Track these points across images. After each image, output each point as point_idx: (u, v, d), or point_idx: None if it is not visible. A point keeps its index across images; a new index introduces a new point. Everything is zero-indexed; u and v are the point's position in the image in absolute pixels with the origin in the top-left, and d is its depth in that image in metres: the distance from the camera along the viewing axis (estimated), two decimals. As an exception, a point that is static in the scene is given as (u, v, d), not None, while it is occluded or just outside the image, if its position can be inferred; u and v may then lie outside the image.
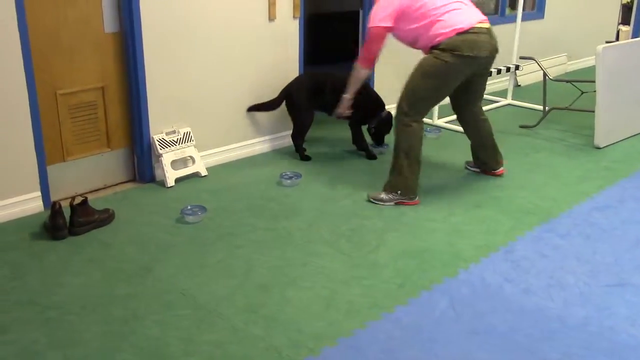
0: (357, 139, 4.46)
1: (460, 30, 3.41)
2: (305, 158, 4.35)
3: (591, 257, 3.09)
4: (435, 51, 3.46)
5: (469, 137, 4.05)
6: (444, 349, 2.39)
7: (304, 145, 4.40)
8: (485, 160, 4.06)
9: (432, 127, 5.08)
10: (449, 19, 3.43)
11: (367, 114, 4.37)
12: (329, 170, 4.20)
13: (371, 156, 4.41)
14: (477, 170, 4.13)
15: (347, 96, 3.94)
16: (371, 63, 3.72)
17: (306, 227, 3.36)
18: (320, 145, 4.70)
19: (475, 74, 3.65)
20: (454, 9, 3.45)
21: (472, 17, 3.47)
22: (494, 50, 3.59)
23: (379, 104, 4.38)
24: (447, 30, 3.42)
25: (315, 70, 4.50)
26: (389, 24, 3.51)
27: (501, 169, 4.08)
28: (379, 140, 4.48)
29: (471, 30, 3.43)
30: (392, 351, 2.37)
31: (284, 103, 4.32)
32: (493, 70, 5.55)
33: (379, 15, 3.52)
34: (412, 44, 3.63)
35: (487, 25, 3.53)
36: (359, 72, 3.76)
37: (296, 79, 4.34)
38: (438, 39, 3.43)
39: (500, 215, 3.54)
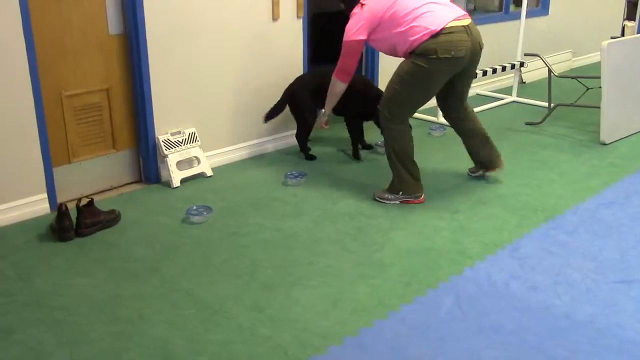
0: (356, 135, 4.43)
1: (433, 33, 3.32)
2: (310, 157, 4.35)
3: (598, 254, 3.08)
4: (412, 56, 3.41)
5: (462, 139, 3.92)
6: (451, 347, 2.38)
7: (308, 145, 4.40)
8: (485, 158, 3.89)
9: (437, 125, 5.08)
10: (422, 23, 3.35)
11: (371, 109, 4.35)
12: (334, 169, 4.20)
13: (358, 155, 4.38)
14: (479, 174, 3.98)
15: (326, 111, 3.90)
16: (349, 76, 3.65)
17: (312, 226, 3.36)
18: (325, 144, 4.70)
19: (458, 74, 3.51)
20: (426, 12, 3.38)
21: (444, 17, 3.36)
22: (475, 47, 3.46)
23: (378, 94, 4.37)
24: (420, 34, 3.34)
25: (319, 70, 4.49)
26: (362, 36, 3.49)
27: (498, 167, 3.92)
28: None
29: (444, 31, 3.33)
30: (399, 349, 2.36)
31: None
32: (498, 67, 5.55)
33: (353, 29, 3.50)
34: (392, 52, 3.57)
35: (464, 22, 3.40)
36: (337, 85, 3.69)
37: (297, 78, 4.33)
38: (413, 44, 3.37)
39: (506, 213, 3.53)
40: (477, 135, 3.85)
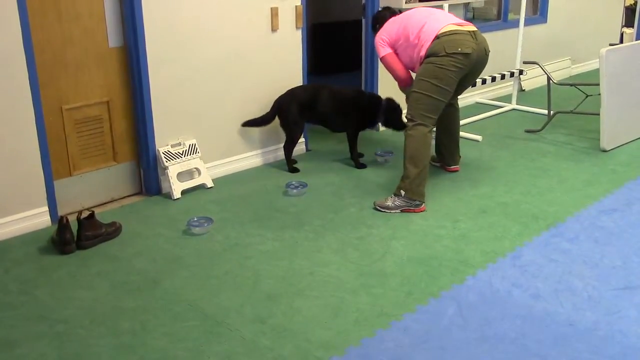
0: (354, 148, 4.45)
1: (436, 36, 3.67)
2: (293, 170, 4.35)
3: (599, 261, 3.08)
4: (425, 60, 3.73)
5: (437, 128, 4.23)
6: (453, 356, 2.38)
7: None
8: (445, 153, 4.25)
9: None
10: (426, 33, 3.72)
11: (371, 114, 4.40)
12: (335, 179, 4.20)
13: (360, 165, 4.42)
14: (438, 165, 4.34)
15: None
16: (403, 82, 4.05)
17: (313, 236, 3.36)
18: (326, 155, 4.70)
19: (465, 75, 3.75)
20: (428, 23, 3.76)
21: (444, 22, 3.73)
22: (481, 51, 3.74)
23: (376, 100, 4.43)
24: (426, 42, 3.70)
25: (312, 84, 4.50)
26: (389, 50, 3.95)
27: (456, 166, 4.31)
28: (399, 125, 4.41)
29: (446, 33, 3.66)
30: (401, 359, 2.36)
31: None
32: (497, 75, 5.57)
33: (379, 48, 3.98)
34: (411, 65, 3.94)
35: (467, 28, 3.73)
36: (404, 91, 4.13)
37: (286, 93, 4.32)
38: (422, 52, 3.72)
39: (507, 221, 3.53)
40: (449, 132, 4.20)
